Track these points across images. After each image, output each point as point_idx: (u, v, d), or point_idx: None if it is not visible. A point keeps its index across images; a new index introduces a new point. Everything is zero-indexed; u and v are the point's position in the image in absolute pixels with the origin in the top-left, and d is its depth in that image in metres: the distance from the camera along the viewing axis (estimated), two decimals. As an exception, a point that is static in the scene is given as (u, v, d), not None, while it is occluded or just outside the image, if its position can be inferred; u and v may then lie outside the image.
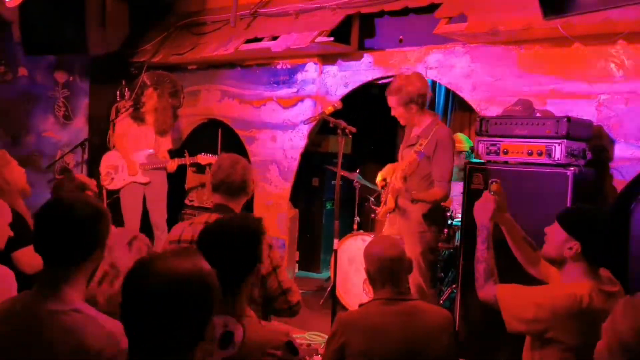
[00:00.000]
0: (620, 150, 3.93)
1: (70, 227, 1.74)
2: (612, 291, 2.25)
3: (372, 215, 4.59)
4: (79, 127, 6.71)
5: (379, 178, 4.14)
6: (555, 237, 2.32)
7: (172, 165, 5.69)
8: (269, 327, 2.01)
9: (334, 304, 4.02)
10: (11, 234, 2.78)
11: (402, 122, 4.09)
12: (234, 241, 2.01)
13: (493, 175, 3.85)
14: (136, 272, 1.44)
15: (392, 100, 3.97)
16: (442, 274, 5.20)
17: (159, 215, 5.74)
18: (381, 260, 2.41)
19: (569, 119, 3.61)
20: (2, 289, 2.44)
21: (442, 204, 4.74)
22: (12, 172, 3.30)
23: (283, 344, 1.90)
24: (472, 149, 5.23)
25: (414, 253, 3.68)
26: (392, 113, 4.04)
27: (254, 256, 2.05)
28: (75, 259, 1.75)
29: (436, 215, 3.97)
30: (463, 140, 5.41)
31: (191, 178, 6.59)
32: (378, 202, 4.46)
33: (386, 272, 2.41)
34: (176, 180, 6.20)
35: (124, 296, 1.43)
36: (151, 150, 5.77)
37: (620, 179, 3.92)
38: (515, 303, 2.30)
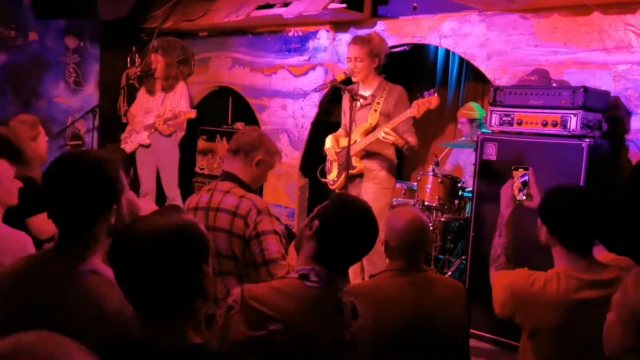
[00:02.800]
0: (637, 123, 3.85)
1: (79, 185, 1.66)
2: (594, 279, 2.17)
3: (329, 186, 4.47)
4: (90, 93, 6.69)
5: (334, 148, 4.21)
6: (538, 222, 2.31)
7: (161, 126, 5.66)
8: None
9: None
10: (21, 184, 2.78)
11: (358, 77, 4.05)
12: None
13: (507, 147, 3.81)
14: (120, 234, 1.47)
15: (358, 50, 3.98)
16: (452, 245, 5.19)
17: (169, 181, 5.78)
18: (403, 237, 2.34)
19: (585, 89, 3.53)
20: (21, 254, 2.46)
21: (453, 174, 4.78)
22: (41, 143, 3.38)
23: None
24: (484, 118, 5.16)
25: (380, 207, 3.77)
26: (353, 65, 4.01)
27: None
28: (88, 220, 1.68)
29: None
30: (475, 109, 5.34)
31: (202, 146, 6.58)
32: (323, 174, 4.42)
33: (405, 247, 2.35)
34: (187, 149, 6.19)
35: (112, 261, 1.45)
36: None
37: (636, 152, 3.85)
38: (496, 288, 2.32)
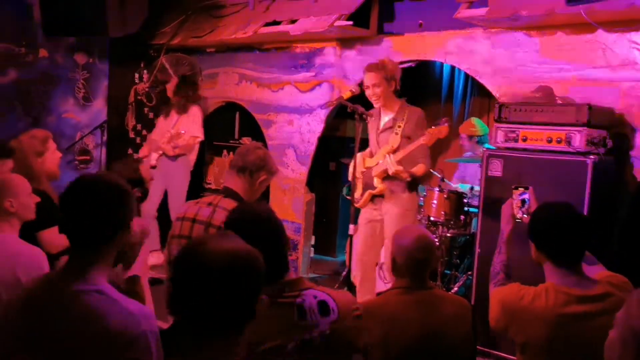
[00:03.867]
0: (641, 139, 3.87)
1: (95, 207, 1.72)
2: (583, 294, 2.19)
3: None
4: (99, 108, 6.74)
5: (360, 167, 4.29)
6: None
7: (167, 147, 5.70)
8: (336, 291, 2.12)
9: (349, 288, 4.03)
10: (37, 199, 2.83)
11: (378, 103, 4.20)
12: None
13: (511, 163, 3.83)
14: (189, 251, 1.52)
15: (374, 77, 4.11)
16: (458, 260, 5.19)
17: (176, 203, 5.74)
18: (410, 254, 2.37)
19: (590, 106, 3.56)
20: (34, 271, 2.49)
21: (459, 190, 4.82)
22: (50, 159, 3.42)
23: (357, 303, 2.04)
24: (486, 134, 5.19)
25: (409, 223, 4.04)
26: (372, 92, 4.14)
27: None
28: (100, 239, 1.74)
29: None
30: (477, 125, 5.34)
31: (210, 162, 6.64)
32: (348, 191, 4.59)
33: (412, 265, 2.38)
34: (196, 164, 6.24)
35: (176, 274, 1.49)
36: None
37: (641, 168, 3.87)
38: (491, 303, 2.37)
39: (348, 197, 4.49)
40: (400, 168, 4.04)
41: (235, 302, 1.46)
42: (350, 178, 4.29)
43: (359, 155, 4.37)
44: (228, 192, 2.76)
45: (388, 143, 4.18)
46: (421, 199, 5.02)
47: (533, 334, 2.19)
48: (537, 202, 2.60)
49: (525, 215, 2.56)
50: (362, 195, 4.30)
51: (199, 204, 2.77)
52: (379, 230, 4.29)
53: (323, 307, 1.95)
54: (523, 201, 2.58)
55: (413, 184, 4.22)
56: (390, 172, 4.05)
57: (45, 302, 1.69)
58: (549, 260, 2.27)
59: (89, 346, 1.61)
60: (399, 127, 4.13)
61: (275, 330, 1.90)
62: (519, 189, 2.62)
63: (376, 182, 4.20)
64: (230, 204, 2.69)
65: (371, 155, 4.38)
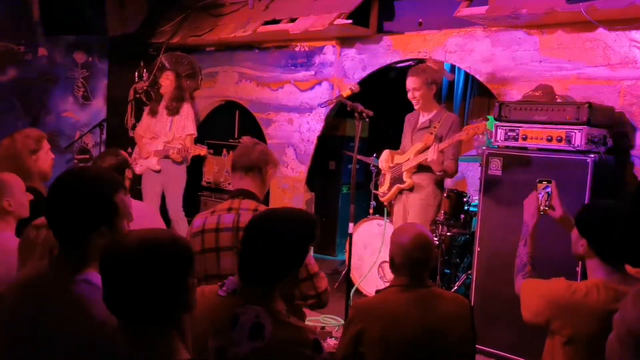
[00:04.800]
0: (642, 138, 3.87)
1: (77, 200, 1.74)
2: (628, 291, 2.23)
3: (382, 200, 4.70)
4: (98, 107, 6.75)
5: (388, 162, 4.48)
6: (573, 235, 2.38)
7: (175, 155, 5.66)
8: (298, 323, 1.99)
9: (349, 287, 4.02)
10: (30, 197, 2.83)
11: (418, 105, 4.33)
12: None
13: (511, 162, 3.82)
14: (111, 244, 1.53)
15: (415, 81, 4.25)
16: (458, 259, 5.18)
17: (173, 204, 5.75)
18: (408, 252, 2.37)
19: (590, 105, 3.55)
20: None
21: (459, 189, 4.82)
22: (42, 158, 3.40)
23: (311, 342, 1.91)
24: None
25: (422, 222, 4.14)
26: (412, 94, 4.27)
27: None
28: (84, 231, 1.75)
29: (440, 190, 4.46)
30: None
31: (209, 161, 6.62)
32: (376, 186, 4.78)
33: (410, 263, 2.37)
34: (194, 162, 6.22)
35: (102, 269, 1.49)
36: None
37: (641, 167, 3.86)
38: (528, 296, 2.37)
39: (375, 192, 4.63)
40: (437, 157, 4.08)
41: (157, 291, 1.46)
42: (382, 171, 4.51)
43: (387, 152, 4.54)
44: (245, 194, 2.70)
45: (422, 141, 4.30)
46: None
47: (583, 328, 2.21)
48: (559, 196, 2.63)
49: (547, 208, 2.62)
50: (389, 189, 4.45)
51: (216, 213, 2.69)
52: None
53: (256, 329, 1.85)
54: (548, 194, 2.64)
55: (440, 182, 4.35)
56: (429, 159, 4.11)
57: (35, 292, 1.72)
58: (597, 257, 2.29)
59: (76, 334, 1.64)
60: (434, 127, 4.25)
61: (208, 322, 1.90)
62: (543, 182, 2.66)
63: (405, 176, 4.34)
64: (252, 204, 2.65)
65: (402, 153, 4.49)
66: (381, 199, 4.54)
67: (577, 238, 2.34)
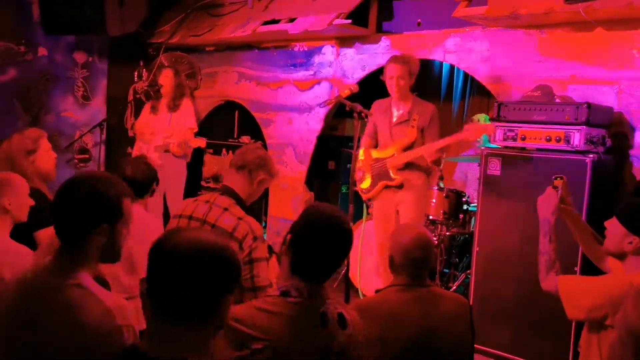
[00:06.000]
0: (641, 138, 3.87)
1: (71, 202, 1.77)
2: None
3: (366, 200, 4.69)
4: (98, 107, 6.75)
5: (367, 160, 4.42)
6: (615, 231, 2.41)
7: (175, 148, 5.68)
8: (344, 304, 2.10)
9: (347, 287, 4.02)
10: (32, 202, 2.83)
11: (398, 95, 4.28)
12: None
13: (510, 162, 3.83)
14: (164, 237, 1.53)
15: (400, 69, 4.23)
16: (457, 259, 5.19)
17: (174, 200, 5.76)
18: (408, 254, 2.37)
19: (588, 105, 3.55)
20: (21, 270, 2.52)
21: (458, 189, 4.82)
22: (41, 158, 3.39)
23: (360, 319, 2.02)
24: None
25: (417, 216, 4.26)
26: (396, 82, 4.23)
27: None
28: (82, 235, 1.77)
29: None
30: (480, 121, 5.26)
31: (209, 160, 6.62)
32: (354, 183, 4.66)
33: (410, 263, 2.38)
34: (194, 162, 6.23)
35: (151, 258, 1.50)
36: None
37: (640, 167, 3.87)
38: (576, 292, 2.41)
39: (355, 189, 4.55)
40: (436, 156, 4.23)
41: (201, 290, 1.46)
42: (356, 169, 4.40)
43: (363, 149, 4.49)
44: (225, 190, 2.76)
45: (405, 136, 4.26)
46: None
47: None
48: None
49: (563, 205, 2.68)
50: (372, 186, 4.40)
51: (197, 202, 2.76)
52: (394, 221, 4.36)
53: (341, 319, 1.94)
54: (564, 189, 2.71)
55: (428, 173, 4.38)
56: (429, 160, 4.21)
57: (28, 295, 1.73)
58: None
59: (66, 339, 1.64)
60: (414, 120, 4.24)
61: (293, 332, 1.89)
62: (558, 179, 2.71)
63: (392, 173, 4.29)
64: (226, 201, 2.69)
65: (381, 148, 4.42)
66: (365, 196, 4.47)
67: (624, 235, 2.36)
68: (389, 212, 4.37)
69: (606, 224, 2.48)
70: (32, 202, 2.83)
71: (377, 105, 4.39)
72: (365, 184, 4.44)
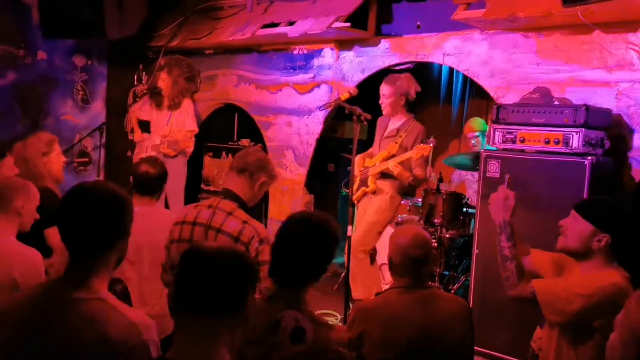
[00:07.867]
0: (639, 140, 3.88)
1: (93, 217, 1.73)
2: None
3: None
4: (97, 111, 6.76)
5: (359, 166, 4.83)
6: (579, 230, 2.31)
7: (166, 149, 5.70)
8: (329, 323, 2.07)
9: (347, 290, 4.04)
10: (37, 216, 2.87)
11: (386, 112, 4.74)
12: None
13: (509, 164, 3.84)
14: (195, 245, 1.68)
15: (387, 89, 4.66)
16: (457, 261, 5.20)
17: (174, 201, 5.77)
18: (407, 253, 2.38)
19: (587, 107, 3.56)
20: (31, 271, 2.55)
21: (457, 191, 4.85)
22: (53, 161, 3.51)
23: (346, 341, 1.97)
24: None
25: (374, 220, 4.69)
26: (382, 100, 4.69)
27: None
28: (100, 248, 1.74)
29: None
30: (474, 124, 5.24)
31: (208, 163, 6.63)
32: (347, 185, 5.27)
33: (410, 264, 2.38)
34: (194, 165, 6.24)
35: (184, 264, 1.59)
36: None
37: (638, 169, 3.87)
38: (558, 297, 2.30)
39: (346, 190, 5.01)
40: (400, 169, 4.55)
41: (225, 292, 1.54)
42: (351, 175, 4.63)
43: (360, 155, 4.84)
44: (227, 194, 2.74)
45: (387, 149, 4.66)
46: (419, 200, 5.07)
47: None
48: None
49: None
50: (357, 190, 4.82)
51: (198, 207, 2.74)
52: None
53: (297, 334, 1.89)
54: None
55: (401, 187, 4.73)
56: (395, 173, 4.53)
57: (45, 310, 1.68)
58: (611, 252, 2.30)
59: (89, 355, 1.61)
60: (400, 137, 4.61)
61: (256, 335, 1.90)
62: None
63: (369, 180, 4.74)
64: (229, 205, 2.68)
65: (372, 156, 4.86)
66: (353, 199, 4.64)
67: (592, 233, 2.28)
68: (363, 215, 4.81)
69: (562, 222, 2.39)
70: (37, 216, 2.88)
71: (381, 119, 4.85)
72: (353, 187, 4.73)
